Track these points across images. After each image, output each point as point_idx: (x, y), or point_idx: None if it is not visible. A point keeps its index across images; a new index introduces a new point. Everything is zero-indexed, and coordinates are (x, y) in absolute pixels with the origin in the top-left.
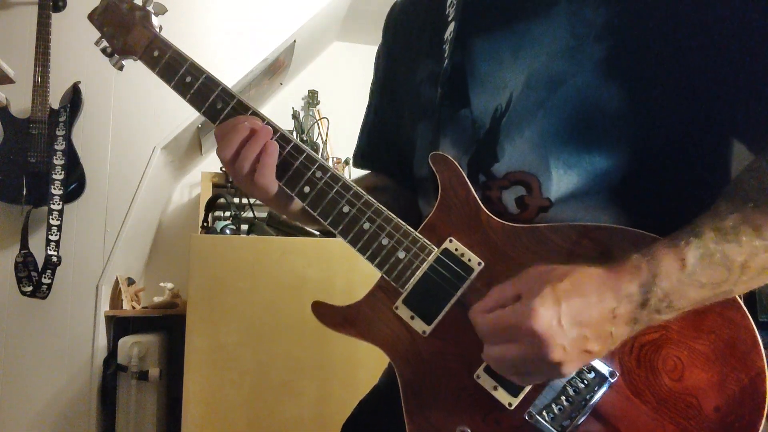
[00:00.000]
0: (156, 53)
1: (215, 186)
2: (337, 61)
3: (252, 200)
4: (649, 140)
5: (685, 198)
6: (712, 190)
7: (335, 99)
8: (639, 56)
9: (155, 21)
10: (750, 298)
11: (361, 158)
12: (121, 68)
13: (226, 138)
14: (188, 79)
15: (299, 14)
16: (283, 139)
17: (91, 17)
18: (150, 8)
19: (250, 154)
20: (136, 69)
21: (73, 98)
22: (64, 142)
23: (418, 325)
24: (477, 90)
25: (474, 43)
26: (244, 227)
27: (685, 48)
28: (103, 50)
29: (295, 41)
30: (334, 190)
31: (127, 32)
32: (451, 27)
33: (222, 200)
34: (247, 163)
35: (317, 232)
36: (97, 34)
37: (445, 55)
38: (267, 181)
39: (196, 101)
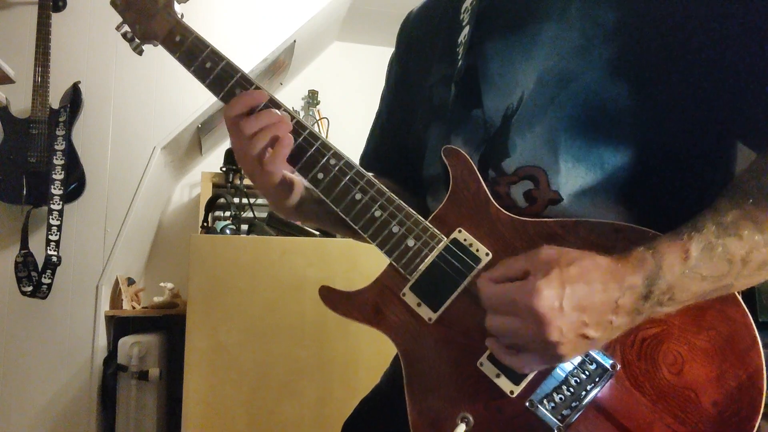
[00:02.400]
0: (178, 38)
1: (215, 186)
2: (337, 61)
3: (252, 200)
4: (655, 138)
5: (689, 198)
6: (715, 189)
7: (335, 99)
8: (645, 57)
9: (177, 8)
10: (749, 298)
11: (368, 161)
12: (140, 53)
13: (247, 119)
14: (208, 64)
15: (299, 14)
16: (299, 125)
17: (114, 2)
18: None
19: (262, 141)
20: (136, 69)
21: (73, 98)
22: (64, 142)
23: (425, 312)
24: (489, 91)
25: (487, 45)
26: (244, 227)
27: (689, 49)
28: (123, 35)
29: (295, 41)
30: (348, 177)
31: (150, 18)
32: (465, 31)
33: (222, 200)
34: (257, 148)
35: (317, 232)
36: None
37: (459, 57)
38: (274, 168)
39: (214, 87)
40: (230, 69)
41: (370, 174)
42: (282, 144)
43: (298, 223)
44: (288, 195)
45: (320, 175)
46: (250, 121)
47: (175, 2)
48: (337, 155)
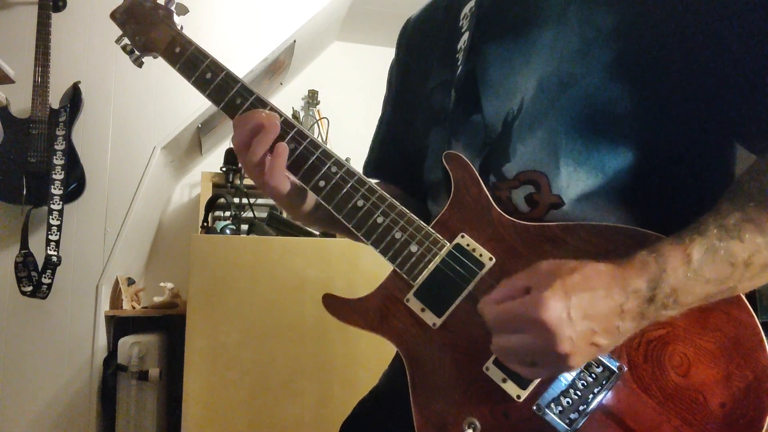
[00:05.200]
0: (178, 50)
1: (215, 186)
2: (337, 61)
3: (252, 200)
4: (655, 141)
5: (689, 199)
6: (715, 191)
7: (335, 99)
8: (645, 59)
9: (177, 20)
10: (750, 298)
11: (372, 168)
12: (140, 65)
13: (237, 130)
14: (208, 75)
15: (299, 14)
16: (300, 134)
17: (113, 15)
18: (172, 8)
19: (259, 149)
20: (136, 69)
21: (73, 98)
22: (64, 142)
23: (429, 318)
24: (488, 96)
25: (486, 51)
26: (244, 227)
27: (688, 51)
28: (123, 47)
29: (295, 41)
30: (349, 184)
31: (150, 30)
32: (465, 37)
33: (222, 200)
34: (256, 157)
35: (317, 232)
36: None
37: (459, 63)
38: (277, 182)
39: (215, 97)
40: (230, 80)
41: (373, 181)
42: (275, 155)
43: (298, 223)
44: (302, 202)
45: (321, 183)
46: (240, 127)
47: (175, 14)
48: (339, 163)
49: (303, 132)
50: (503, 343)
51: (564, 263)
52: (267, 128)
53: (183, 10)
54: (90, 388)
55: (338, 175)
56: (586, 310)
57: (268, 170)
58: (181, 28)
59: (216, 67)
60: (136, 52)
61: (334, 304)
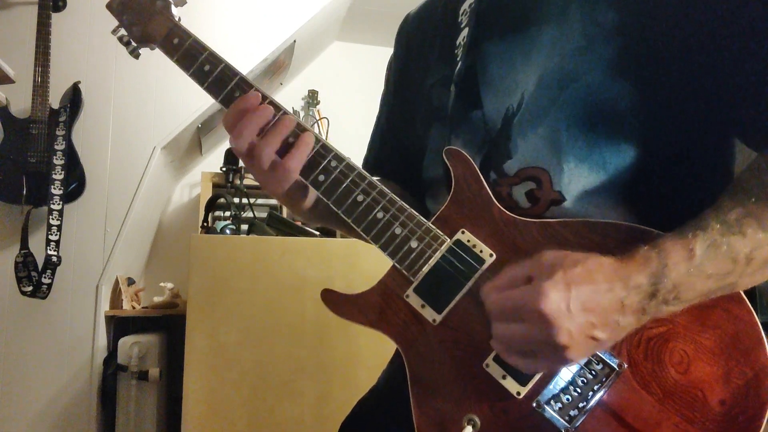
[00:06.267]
0: (176, 41)
1: (215, 186)
2: (337, 61)
3: (252, 200)
4: (656, 138)
5: (689, 197)
6: (715, 188)
7: (335, 99)
8: (646, 56)
9: (175, 12)
10: (750, 298)
11: (371, 166)
12: (137, 57)
13: (246, 122)
14: (207, 67)
15: (299, 14)
16: (299, 128)
17: (110, 6)
18: None
19: (273, 141)
20: (136, 69)
21: (73, 98)
22: (64, 142)
23: (429, 314)
24: (488, 92)
25: (486, 47)
26: (244, 227)
27: (689, 48)
28: (120, 38)
29: (295, 41)
30: (349, 179)
31: (147, 21)
32: (465, 33)
33: (222, 200)
34: (270, 149)
35: (317, 232)
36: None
37: (458, 59)
38: (292, 171)
39: (213, 89)
40: (229, 71)
41: (373, 177)
42: (303, 144)
43: (298, 223)
44: (303, 198)
45: (321, 177)
46: (246, 121)
47: (173, 5)
48: (339, 157)
49: (302, 125)
50: (502, 331)
51: (568, 255)
52: (284, 122)
53: (181, 2)
54: (90, 388)
55: (338, 170)
56: (585, 303)
57: (286, 160)
58: (179, 20)
59: (215, 59)
60: (133, 44)
61: (333, 299)
